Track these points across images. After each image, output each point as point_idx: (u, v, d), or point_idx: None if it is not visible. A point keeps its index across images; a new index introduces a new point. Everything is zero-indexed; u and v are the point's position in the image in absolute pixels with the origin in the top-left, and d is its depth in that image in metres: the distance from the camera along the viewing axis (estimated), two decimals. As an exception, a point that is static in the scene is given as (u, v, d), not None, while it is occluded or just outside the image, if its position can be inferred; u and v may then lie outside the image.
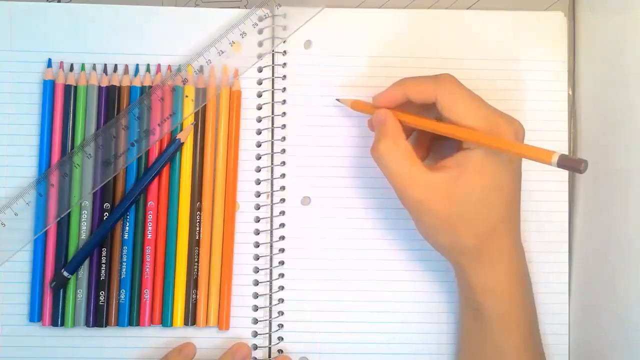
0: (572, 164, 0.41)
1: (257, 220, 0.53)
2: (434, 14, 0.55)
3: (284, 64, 0.54)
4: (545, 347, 0.49)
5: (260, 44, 0.54)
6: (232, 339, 0.52)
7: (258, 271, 0.53)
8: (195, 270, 0.52)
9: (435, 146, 0.51)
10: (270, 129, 0.54)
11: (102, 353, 0.52)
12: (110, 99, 0.52)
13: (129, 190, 0.52)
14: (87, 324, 0.51)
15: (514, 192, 0.47)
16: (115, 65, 0.53)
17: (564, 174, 0.54)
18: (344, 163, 0.53)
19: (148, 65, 0.53)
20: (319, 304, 0.53)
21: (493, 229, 0.46)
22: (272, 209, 0.53)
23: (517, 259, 0.47)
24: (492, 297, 0.46)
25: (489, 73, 0.54)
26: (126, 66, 0.53)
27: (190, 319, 0.52)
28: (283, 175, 0.53)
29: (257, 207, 0.53)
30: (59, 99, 0.52)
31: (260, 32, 0.54)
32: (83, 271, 0.51)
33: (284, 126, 0.53)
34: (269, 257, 0.53)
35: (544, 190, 0.53)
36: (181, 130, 0.52)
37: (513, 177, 0.47)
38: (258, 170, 0.53)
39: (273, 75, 0.54)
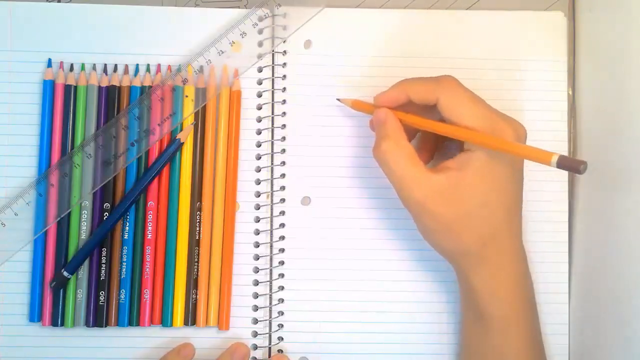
0: (571, 164, 0.41)
1: (257, 220, 0.53)
2: (434, 14, 0.55)
3: (284, 64, 0.54)
4: (545, 347, 0.49)
5: (260, 44, 0.54)
6: (232, 339, 0.52)
7: (258, 271, 0.53)
8: (195, 270, 0.52)
9: (438, 149, 0.51)
10: (270, 129, 0.54)
11: (102, 353, 0.52)
12: (110, 99, 0.52)
13: (129, 190, 0.52)
14: (87, 324, 0.51)
15: (515, 194, 0.47)
16: (115, 65, 0.53)
17: (564, 174, 0.54)
18: (344, 163, 0.53)
19: (148, 65, 0.53)
20: (319, 304, 0.53)
21: (495, 231, 0.46)
22: (272, 209, 0.53)
23: (518, 262, 0.47)
24: (493, 299, 0.46)
25: (489, 73, 0.54)
26: (126, 66, 0.53)
27: (190, 319, 0.52)
28: (283, 175, 0.53)
29: (257, 207, 0.53)
30: (59, 99, 0.52)
31: (260, 32, 0.54)
32: (83, 271, 0.51)
33: (284, 126, 0.53)
34: (269, 257, 0.53)
35: (544, 190, 0.53)
36: (181, 130, 0.52)
37: (515, 179, 0.47)
38: (258, 170, 0.53)
39: (273, 75, 0.54)
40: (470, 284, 0.47)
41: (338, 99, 0.53)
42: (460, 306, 0.51)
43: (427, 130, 0.48)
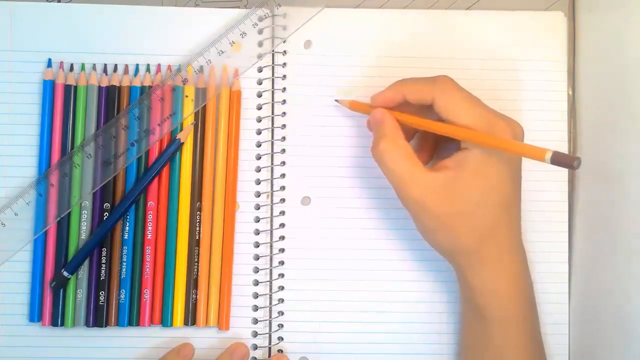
0: (565, 160, 0.41)
1: (257, 220, 0.53)
2: (434, 14, 0.55)
3: (284, 64, 0.54)
4: (545, 347, 0.49)
5: (260, 44, 0.54)
6: (232, 339, 0.52)
7: (258, 271, 0.53)
8: (195, 270, 0.52)
9: (437, 149, 0.51)
10: (270, 129, 0.54)
11: (102, 353, 0.52)
12: (110, 99, 0.52)
13: (129, 190, 0.52)
14: (87, 324, 0.51)
15: (513, 192, 0.47)
16: (115, 65, 0.53)
17: (564, 173, 0.54)
18: (344, 163, 0.53)
19: (148, 65, 0.53)
20: (319, 304, 0.53)
21: (492, 229, 0.46)
22: (272, 209, 0.53)
23: (517, 260, 0.47)
24: (492, 299, 0.46)
25: (489, 73, 0.54)
26: (126, 66, 0.53)
27: (190, 319, 0.52)
28: (283, 175, 0.53)
29: (257, 207, 0.53)
30: (59, 99, 0.52)
31: (260, 32, 0.54)
32: (83, 271, 0.51)
33: (284, 126, 0.53)
34: (269, 257, 0.53)
35: (544, 190, 0.53)
36: (181, 130, 0.52)
37: (512, 178, 0.47)
38: (258, 170, 0.53)
39: (273, 75, 0.54)
40: (469, 284, 0.47)
41: (336, 100, 0.53)
42: (460, 306, 0.51)
43: (424, 130, 0.48)
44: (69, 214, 0.51)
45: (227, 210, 0.52)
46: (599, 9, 0.53)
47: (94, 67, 0.53)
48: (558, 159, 0.41)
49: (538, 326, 0.49)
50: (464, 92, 0.46)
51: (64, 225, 0.51)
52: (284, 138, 0.53)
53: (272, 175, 0.53)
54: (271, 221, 0.53)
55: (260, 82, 0.54)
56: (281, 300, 0.53)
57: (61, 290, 0.51)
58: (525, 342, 0.47)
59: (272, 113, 0.54)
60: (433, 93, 0.46)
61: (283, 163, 0.53)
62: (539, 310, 0.49)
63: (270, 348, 0.52)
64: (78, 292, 0.51)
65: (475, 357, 0.48)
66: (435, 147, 0.51)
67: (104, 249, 0.51)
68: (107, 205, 0.52)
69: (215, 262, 0.52)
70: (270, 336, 0.52)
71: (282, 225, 0.53)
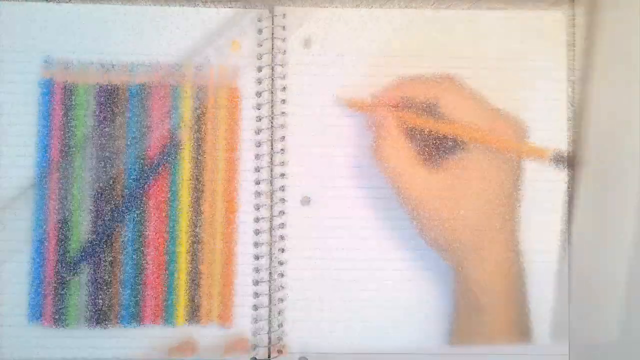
0: (565, 160, 0.41)
1: (257, 220, 0.53)
2: (434, 13, 0.55)
3: (284, 63, 0.54)
4: (545, 347, 0.49)
5: (260, 44, 0.54)
6: (233, 339, 0.52)
7: (258, 271, 0.53)
8: (196, 270, 0.52)
9: (438, 149, 0.51)
10: (270, 129, 0.54)
11: (103, 353, 0.52)
12: (110, 99, 0.52)
13: (129, 191, 0.52)
14: (87, 324, 0.51)
15: (513, 192, 0.47)
16: (115, 65, 0.53)
17: (564, 174, 0.54)
18: (344, 163, 0.53)
19: (148, 65, 0.53)
20: (319, 304, 0.53)
21: (491, 229, 0.46)
22: (272, 209, 0.53)
23: (516, 260, 0.47)
24: (490, 298, 0.46)
25: (489, 73, 0.54)
26: (126, 66, 0.53)
27: (191, 318, 0.52)
28: (283, 175, 0.53)
29: (257, 207, 0.53)
30: (57, 98, 0.52)
31: (259, 31, 0.54)
32: (83, 271, 0.51)
33: (283, 126, 0.53)
34: (269, 257, 0.53)
35: (543, 190, 0.53)
36: (181, 130, 0.52)
37: (512, 178, 0.47)
38: (258, 170, 0.53)
39: (273, 75, 0.54)
40: (467, 283, 0.47)
41: (336, 100, 0.53)
42: (458, 305, 0.51)
43: (426, 130, 0.48)
44: (69, 213, 0.51)
45: (227, 210, 0.52)
46: (600, 9, 0.53)
47: (93, 66, 0.53)
48: (558, 159, 0.41)
49: (531, 321, 0.49)
50: (468, 91, 0.46)
51: (64, 225, 0.51)
52: (283, 138, 0.53)
53: (272, 175, 0.53)
54: (271, 221, 0.53)
55: (259, 82, 0.54)
56: (281, 300, 0.53)
57: (62, 290, 0.51)
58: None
59: (272, 113, 0.54)
60: (437, 92, 0.46)
61: (283, 163, 0.53)
62: (539, 310, 0.49)
63: (270, 347, 0.53)
64: (78, 292, 0.51)
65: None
66: (436, 146, 0.51)
67: (104, 249, 0.51)
68: (107, 205, 0.52)
69: (216, 262, 0.52)
70: (270, 335, 0.53)
71: (282, 225, 0.53)
